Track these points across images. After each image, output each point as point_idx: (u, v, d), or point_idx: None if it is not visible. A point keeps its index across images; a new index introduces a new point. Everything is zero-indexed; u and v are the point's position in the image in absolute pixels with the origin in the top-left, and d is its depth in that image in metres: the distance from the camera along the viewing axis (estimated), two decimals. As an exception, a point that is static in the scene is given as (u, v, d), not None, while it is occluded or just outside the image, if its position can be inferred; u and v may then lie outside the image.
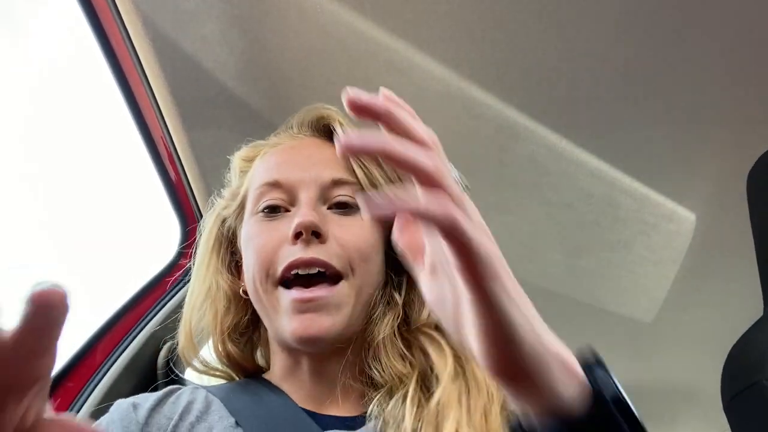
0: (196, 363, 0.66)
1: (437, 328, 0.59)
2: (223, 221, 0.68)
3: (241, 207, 0.65)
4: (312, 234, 0.56)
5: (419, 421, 0.51)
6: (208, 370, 0.66)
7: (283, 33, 0.92)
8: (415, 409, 0.51)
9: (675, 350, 1.67)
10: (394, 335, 0.58)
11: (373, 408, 0.54)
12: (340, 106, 1.16)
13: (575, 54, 0.96)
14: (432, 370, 0.55)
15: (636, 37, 0.93)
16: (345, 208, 0.60)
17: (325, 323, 0.55)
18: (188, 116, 1.01)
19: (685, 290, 1.46)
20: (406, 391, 0.53)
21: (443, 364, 0.54)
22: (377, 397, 0.55)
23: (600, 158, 1.16)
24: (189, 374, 0.93)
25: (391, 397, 0.54)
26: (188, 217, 1.13)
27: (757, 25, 0.91)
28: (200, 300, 0.65)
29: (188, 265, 1.10)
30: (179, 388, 0.62)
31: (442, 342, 0.57)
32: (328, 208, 0.60)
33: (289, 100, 1.03)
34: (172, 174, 1.08)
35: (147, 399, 0.58)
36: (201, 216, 1.13)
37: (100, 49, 0.87)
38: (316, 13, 0.90)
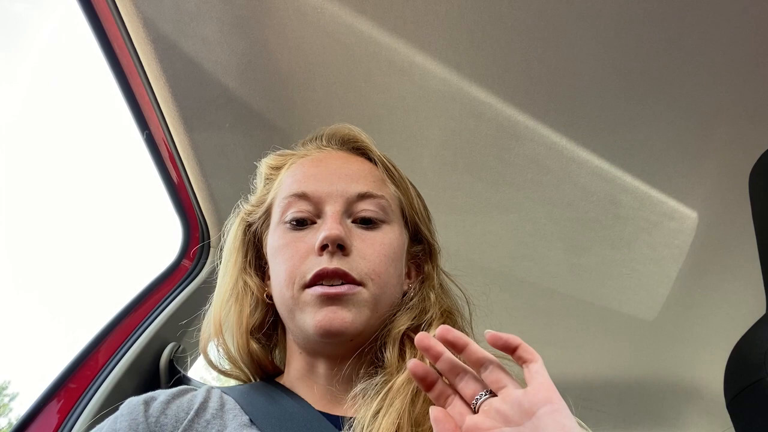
0: (221, 360, 0.67)
1: (416, 330, 0.62)
2: (249, 225, 0.71)
3: (267, 214, 0.68)
4: (337, 247, 0.59)
5: (383, 401, 0.55)
6: (233, 368, 0.68)
7: (284, 34, 0.93)
8: (383, 393, 0.56)
9: (677, 348, 1.67)
10: (402, 333, 0.62)
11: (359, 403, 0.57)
12: (340, 105, 1.15)
13: (576, 53, 0.96)
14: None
15: (636, 35, 0.93)
16: (368, 223, 0.64)
17: (347, 317, 0.58)
18: (189, 117, 1.01)
19: (687, 288, 1.46)
20: (387, 380, 0.57)
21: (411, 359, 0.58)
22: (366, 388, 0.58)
23: (601, 157, 1.16)
24: (193, 374, 0.94)
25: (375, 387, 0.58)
26: (190, 218, 1.14)
27: (759, 22, 0.91)
28: (226, 296, 0.67)
29: (191, 266, 1.11)
30: (194, 388, 0.63)
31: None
32: (353, 222, 0.63)
33: (289, 101, 1.04)
34: (174, 175, 1.08)
35: (162, 393, 0.60)
36: (203, 216, 1.14)
37: (101, 51, 0.87)
38: (317, 13, 0.90)
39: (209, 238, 1.14)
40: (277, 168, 0.70)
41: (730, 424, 0.83)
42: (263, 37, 0.93)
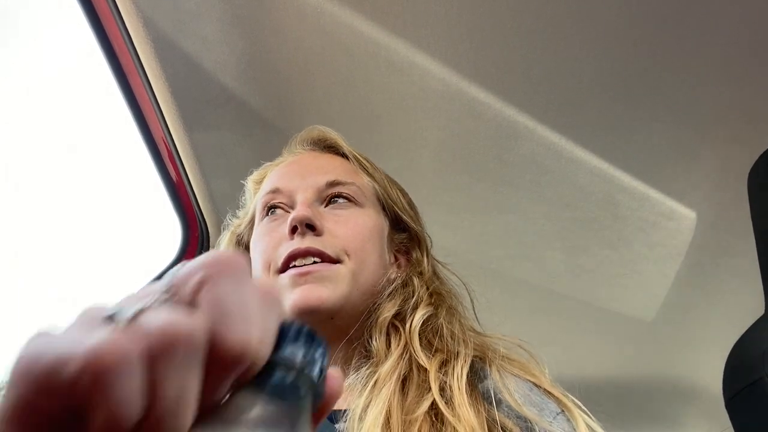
0: None
1: (402, 319, 0.61)
2: (239, 237, 0.73)
3: (252, 223, 0.70)
4: (306, 227, 0.60)
5: (372, 393, 0.54)
6: None
7: (284, 33, 0.93)
8: (371, 385, 0.54)
9: (676, 348, 1.67)
10: (388, 321, 0.61)
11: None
12: (340, 105, 1.15)
13: (575, 53, 0.96)
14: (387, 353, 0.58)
15: (635, 36, 0.93)
16: (339, 201, 0.65)
17: (323, 293, 0.57)
18: (189, 117, 1.01)
19: (686, 288, 1.46)
20: (373, 371, 0.56)
21: (396, 346, 0.58)
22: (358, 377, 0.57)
23: (600, 157, 1.16)
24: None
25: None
26: (189, 216, 1.13)
27: (757, 23, 0.91)
28: None
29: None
30: None
31: (402, 332, 0.60)
32: (325, 206, 0.65)
33: (289, 100, 1.04)
34: (173, 174, 1.08)
35: None
36: (202, 216, 1.14)
37: (101, 50, 0.87)
38: (316, 13, 0.90)
39: (208, 238, 1.14)
40: (259, 181, 0.73)
41: (729, 423, 0.83)
42: (263, 36, 0.93)
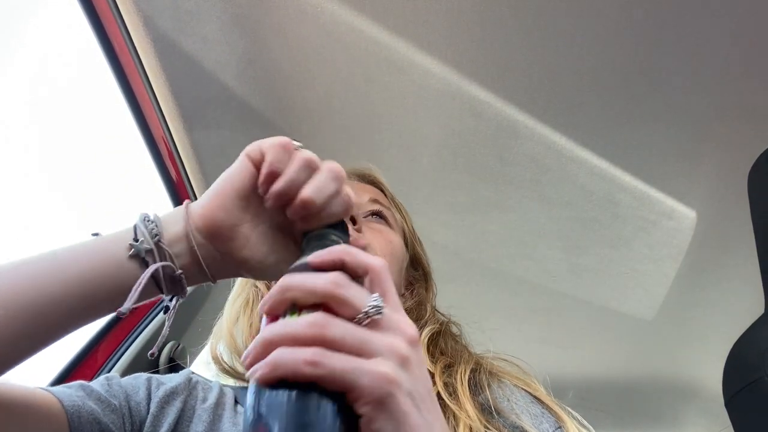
0: (234, 364, 0.68)
1: None
2: None
3: None
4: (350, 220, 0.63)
5: None
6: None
7: (284, 33, 0.93)
8: None
9: (676, 348, 1.67)
10: None
11: None
12: (340, 104, 1.14)
13: (575, 52, 0.96)
14: None
15: (635, 35, 0.93)
16: (378, 216, 0.71)
17: None
18: (189, 116, 1.01)
19: (686, 288, 1.46)
20: None
21: None
22: None
23: (600, 156, 1.16)
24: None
25: None
26: (189, 216, 1.13)
27: (757, 22, 0.91)
28: (237, 309, 0.70)
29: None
30: (199, 378, 0.65)
31: None
32: (364, 217, 0.70)
33: (289, 99, 1.04)
34: (174, 174, 1.08)
35: (169, 379, 0.61)
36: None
37: (101, 50, 0.87)
38: (317, 12, 0.90)
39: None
40: None
41: (729, 423, 0.83)
42: (263, 35, 0.93)
